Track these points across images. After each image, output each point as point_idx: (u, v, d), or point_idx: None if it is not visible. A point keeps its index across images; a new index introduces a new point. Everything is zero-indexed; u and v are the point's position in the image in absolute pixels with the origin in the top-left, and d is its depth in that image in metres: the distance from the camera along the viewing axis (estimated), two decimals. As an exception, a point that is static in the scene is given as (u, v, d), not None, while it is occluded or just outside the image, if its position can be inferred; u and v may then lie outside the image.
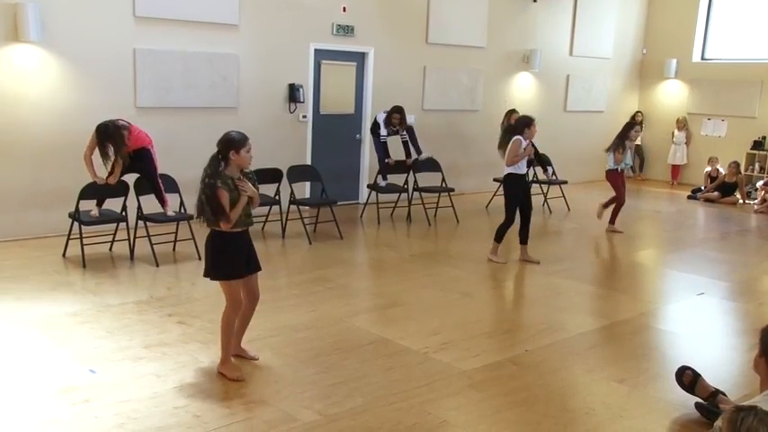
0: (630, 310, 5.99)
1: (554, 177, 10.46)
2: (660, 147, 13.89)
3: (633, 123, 9.22)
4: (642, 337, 5.40)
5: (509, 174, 7.24)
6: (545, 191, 10.47)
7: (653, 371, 4.71)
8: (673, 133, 13.64)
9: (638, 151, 14.15)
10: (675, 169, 13.74)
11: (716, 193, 12.00)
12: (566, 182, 10.49)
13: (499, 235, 7.38)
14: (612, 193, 9.08)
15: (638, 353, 5.03)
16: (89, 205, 6.83)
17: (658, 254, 8.44)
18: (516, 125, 7.35)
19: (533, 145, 7.40)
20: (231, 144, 4.27)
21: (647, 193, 12.68)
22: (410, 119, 10.52)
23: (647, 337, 5.44)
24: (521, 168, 7.26)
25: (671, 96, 13.88)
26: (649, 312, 5.98)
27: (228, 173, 4.25)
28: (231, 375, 4.26)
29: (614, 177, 8.99)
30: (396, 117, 8.98)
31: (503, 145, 7.40)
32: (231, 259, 4.27)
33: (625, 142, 8.91)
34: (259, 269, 4.48)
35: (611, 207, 9.10)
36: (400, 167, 9.23)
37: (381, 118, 9.07)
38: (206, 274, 4.34)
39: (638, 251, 8.44)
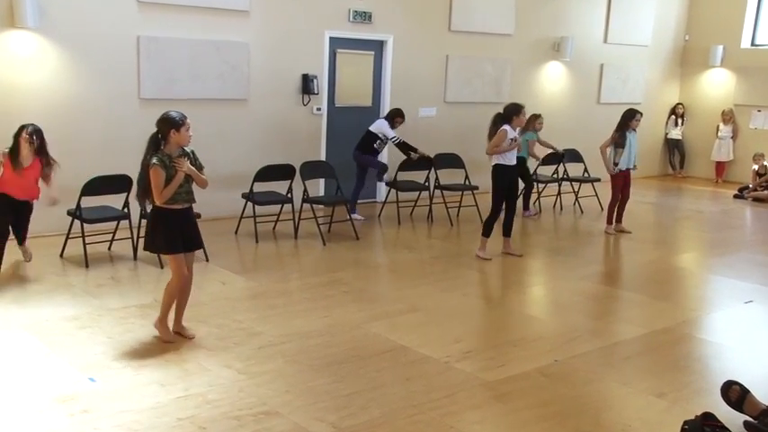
0: (671, 318, 5.92)
1: (586, 174, 10.42)
2: (703, 142, 13.75)
3: (634, 111, 8.66)
4: (684, 347, 5.34)
5: (496, 164, 7.26)
6: (576, 189, 10.41)
7: (696, 385, 4.66)
8: (717, 127, 13.49)
9: (679, 147, 14.05)
10: (720, 166, 13.60)
11: (766, 192, 11.85)
12: (598, 179, 10.41)
13: (487, 229, 7.41)
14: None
15: (680, 365, 4.97)
16: (91, 202, 6.87)
17: (701, 258, 8.35)
18: (504, 113, 7.32)
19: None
20: (171, 123, 4.78)
21: (689, 192, 12.56)
22: (431, 111, 10.53)
23: (690, 347, 5.38)
24: (509, 159, 7.25)
25: (716, 86, 13.73)
26: (691, 321, 5.92)
27: (167, 151, 4.78)
28: (164, 337, 4.93)
29: (614, 178, 8.71)
30: (399, 120, 8.93)
31: (491, 135, 7.32)
32: (169, 234, 4.83)
33: (626, 135, 8.56)
34: (199, 248, 5.09)
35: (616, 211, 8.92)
36: (422, 163, 9.19)
37: (385, 125, 8.86)
38: (145, 248, 4.97)
39: (679, 254, 8.36)
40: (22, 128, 6.20)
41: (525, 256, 7.61)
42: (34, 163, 6.25)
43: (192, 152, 4.96)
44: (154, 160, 4.70)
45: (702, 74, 13.86)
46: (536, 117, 9.78)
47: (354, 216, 8.70)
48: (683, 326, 5.75)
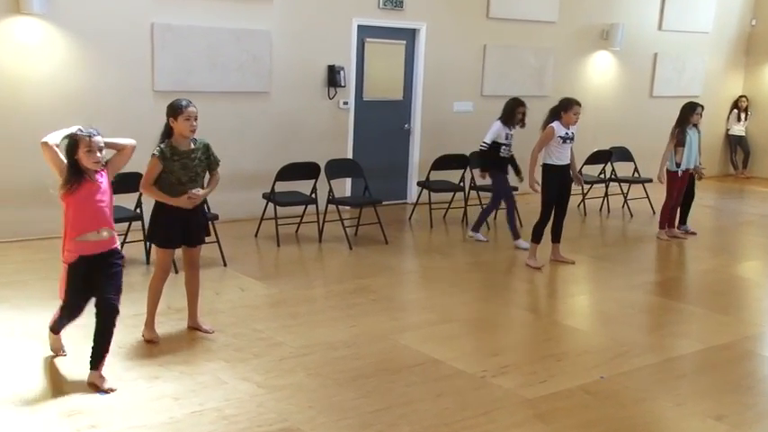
0: (731, 332, 5.84)
1: (636, 175, 10.32)
2: (770, 138, 13.58)
3: (694, 105, 8.53)
4: (746, 365, 5.28)
5: (545, 164, 7.26)
6: (625, 191, 10.32)
7: (760, 407, 4.60)
8: (785, 122, 13.33)
9: (742, 144, 13.87)
10: (788, 165, 13.42)
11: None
12: (650, 180, 10.30)
13: (536, 235, 7.38)
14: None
15: (741, 384, 4.91)
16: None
17: (766, 266, 8.23)
18: (555, 108, 7.31)
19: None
20: (170, 110, 4.91)
21: (753, 194, 12.38)
22: (467, 106, 10.50)
23: (753, 366, 5.31)
24: (560, 158, 7.21)
25: (785, 77, 13.56)
26: (755, 336, 5.84)
27: (175, 143, 4.92)
28: (147, 336, 5.08)
29: (670, 181, 8.61)
30: (521, 110, 8.16)
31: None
32: (166, 228, 4.99)
33: (686, 131, 8.47)
34: (200, 243, 5.23)
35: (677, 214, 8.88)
36: (459, 161, 9.14)
37: (498, 126, 8.16)
38: (145, 238, 5.20)
39: (741, 263, 8.25)
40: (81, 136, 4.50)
41: (567, 264, 7.55)
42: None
43: (206, 146, 5.05)
44: (155, 150, 4.90)
45: (770, 63, 13.67)
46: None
47: (476, 235, 8.45)
48: (745, 342, 5.67)
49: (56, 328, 4.68)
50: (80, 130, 4.45)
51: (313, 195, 8.07)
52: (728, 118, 13.96)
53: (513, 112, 8.12)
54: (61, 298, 4.51)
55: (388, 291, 6.55)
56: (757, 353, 5.53)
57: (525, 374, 4.85)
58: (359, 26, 9.41)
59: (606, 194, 10.29)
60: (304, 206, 8.18)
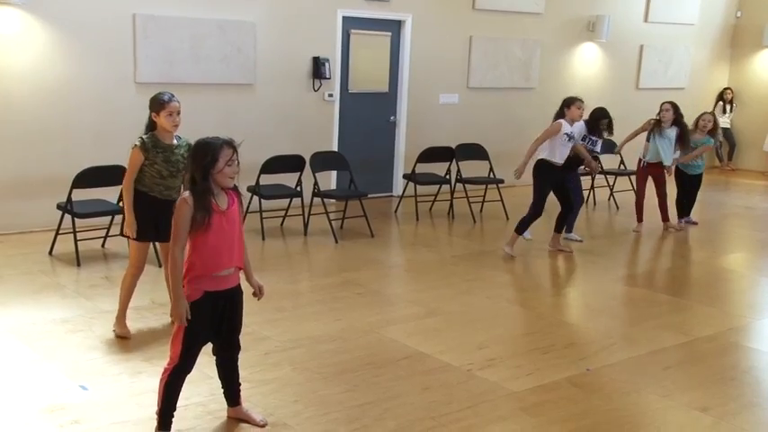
0: (716, 324, 5.88)
1: (622, 167, 10.36)
2: (754, 131, 13.66)
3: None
4: (730, 357, 5.31)
5: (541, 159, 7.30)
6: (611, 183, 10.36)
7: (745, 398, 4.63)
8: (771, 114, 13.41)
9: (728, 136, 13.94)
10: (773, 157, 13.52)
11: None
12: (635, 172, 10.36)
13: (521, 226, 7.46)
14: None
15: (726, 376, 4.94)
16: (83, 195, 6.91)
17: (751, 259, 8.29)
18: (558, 111, 7.38)
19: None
20: (152, 104, 4.85)
21: (738, 186, 12.46)
22: (453, 98, 10.50)
23: (737, 357, 5.34)
24: (557, 156, 7.24)
25: (770, 69, 13.65)
26: (740, 328, 5.87)
27: (160, 136, 4.88)
28: (119, 332, 5.05)
29: (637, 171, 8.97)
30: (604, 122, 8.02)
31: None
32: (141, 220, 4.91)
33: (662, 124, 8.61)
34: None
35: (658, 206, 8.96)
36: (445, 154, 9.16)
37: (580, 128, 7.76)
38: (121, 231, 5.19)
39: (726, 255, 8.30)
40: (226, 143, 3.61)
41: (554, 257, 7.59)
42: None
43: (190, 145, 4.77)
44: (137, 140, 4.88)
45: (755, 55, 13.76)
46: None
47: (571, 236, 8.22)
48: (730, 333, 5.71)
49: None
50: None
51: (298, 188, 8.05)
52: (714, 110, 14.01)
53: (597, 123, 7.93)
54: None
55: (374, 284, 6.55)
56: (742, 344, 5.57)
57: (511, 367, 4.86)
58: (344, 17, 9.38)
59: (592, 186, 10.33)
60: (289, 199, 8.16)
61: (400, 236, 8.54)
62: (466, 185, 9.25)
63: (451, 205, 9.34)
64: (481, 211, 9.38)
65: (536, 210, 7.36)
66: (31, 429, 3.87)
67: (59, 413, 4.02)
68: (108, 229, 7.18)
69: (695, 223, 9.22)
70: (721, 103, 13.92)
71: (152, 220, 4.93)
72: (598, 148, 8.03)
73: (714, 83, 13.92)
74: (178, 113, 4.87)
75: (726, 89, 13.90)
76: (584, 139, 7.81)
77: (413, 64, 10.07)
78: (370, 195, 8.97)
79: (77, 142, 7.69)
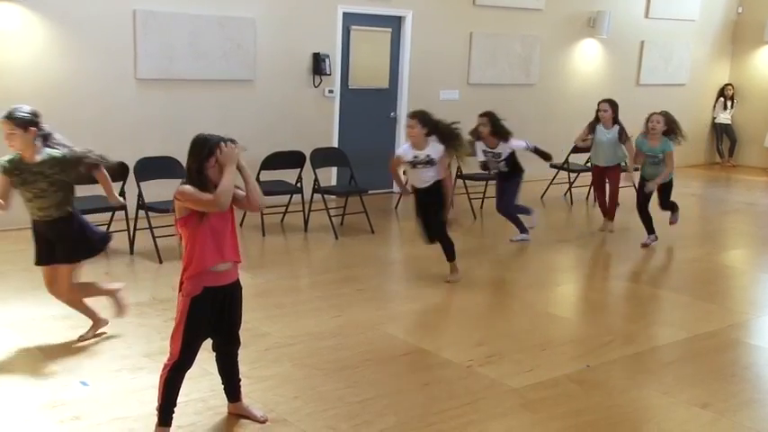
0: (717, 321, 5.89)
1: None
2: (755, 127, 13.63)
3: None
4: (731, 353, 5.31)
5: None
6: (572, 180, 10.33)
7: (745, 395, 4.63)
8: (772, 111, 13.40)
9: (728, 132, 13.93)
10: (774, 154, 13.51)
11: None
12: (637, 169, 10.32)
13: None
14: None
15: (727, 372, 4.95)
16: (84, 191, 6.90)
17: (751, 255, 8.29)
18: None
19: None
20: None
21: (739, 183, 12.45)
22: (453, 94, 10.50)
23: (738, 353, 5.35)
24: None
25: (771, 65, 13.64)
26: (740, 324, 5.88)
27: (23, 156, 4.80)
28: (97, 330, 5.03)
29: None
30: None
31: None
32: (34, 245, 4.81)
33: (594, 127, 8.58)
34: (58, 262, 4.77)
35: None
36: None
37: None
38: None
39: (727, 252, 8.30)
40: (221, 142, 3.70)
41: (553, 253, 7.58)
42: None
43: (54, 158, 4.88)
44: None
45: (756, 51, 13.73)
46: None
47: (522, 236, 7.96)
48: (730, 330, 5.71)
49: None
50: None
51: (298, 184, 8.05)
52: (715, 106, 14.03)
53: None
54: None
55: (374, 280, 6.56)
56: (742, 341, 5.57)
57: (511, 364, 4.86)
58: (344, 13, 9.37)
59: (592, 183, 10.29)
60: (289, 195, 8.16)
61: (400, 232, 8.54)
62: (466, 182, 9.25)
63: (451, 201, 9.31)
64: (481, 207, 9.38)
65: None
66: (32, 425, 3.89)
67: (60, 409, 4.03)
68: (108, 225, 7.17)
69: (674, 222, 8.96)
70: (722, 99, 13.90)
71: (42, 244, 4.79)
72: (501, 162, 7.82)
73: (715, 79, 13.90)
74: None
75: (727, 85, 13.89)
76: (486, 154, 7.71)
77: (413, 60, 10.06)
78: (370, 192, 8.95)
79: (77, 138, 7.60)
